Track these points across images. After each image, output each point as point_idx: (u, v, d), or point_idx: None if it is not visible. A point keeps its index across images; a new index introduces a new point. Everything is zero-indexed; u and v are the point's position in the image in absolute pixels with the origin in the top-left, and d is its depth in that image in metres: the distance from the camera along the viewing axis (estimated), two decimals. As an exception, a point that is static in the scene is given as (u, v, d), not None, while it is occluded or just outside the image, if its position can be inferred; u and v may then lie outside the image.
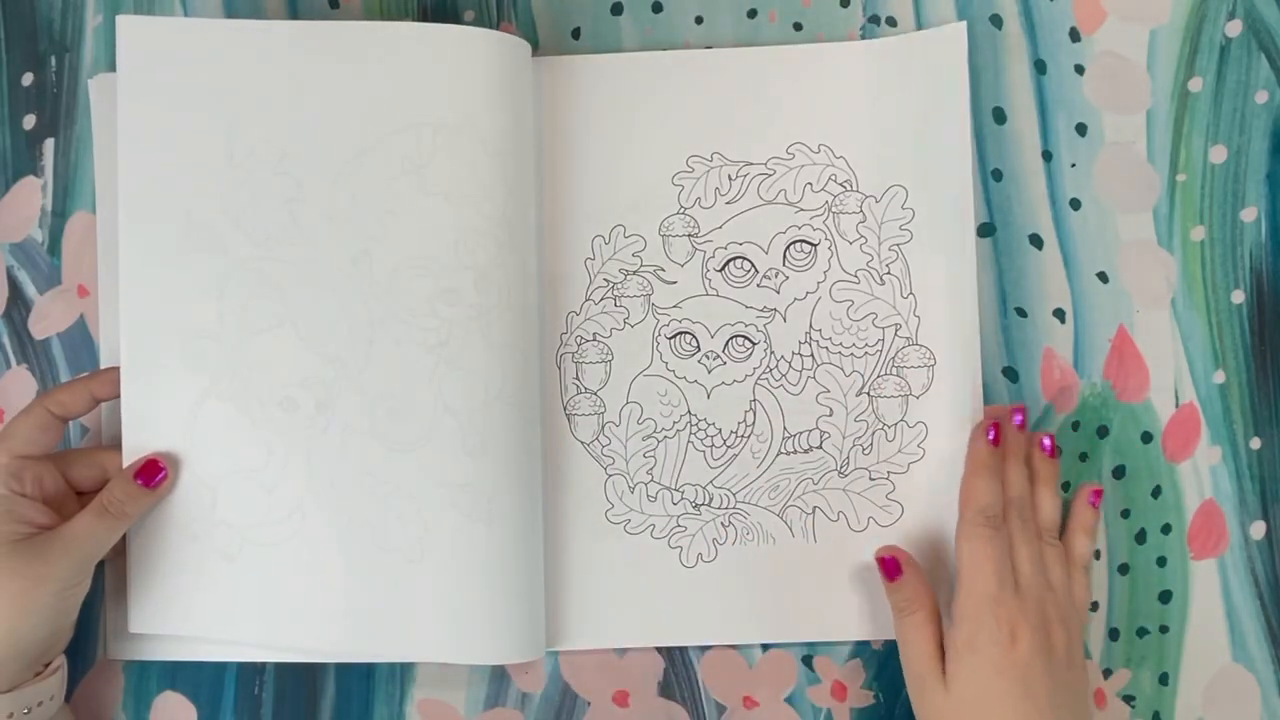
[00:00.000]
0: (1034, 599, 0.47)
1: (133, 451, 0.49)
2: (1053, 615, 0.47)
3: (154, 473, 0.48)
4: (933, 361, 0.53)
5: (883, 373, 0.53)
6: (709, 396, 0.53)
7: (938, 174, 0.53)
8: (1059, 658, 0.47)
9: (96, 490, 0.48)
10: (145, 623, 0.50)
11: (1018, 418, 0.51)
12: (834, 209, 0.53)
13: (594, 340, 0.53)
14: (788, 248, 0.53)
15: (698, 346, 0.53)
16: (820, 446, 0.53)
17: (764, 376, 0.53)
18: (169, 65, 0.49)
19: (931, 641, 0.48)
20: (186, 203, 0.49)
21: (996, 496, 0.49)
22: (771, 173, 0.53)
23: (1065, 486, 0.53)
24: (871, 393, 0.53)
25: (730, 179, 0.53)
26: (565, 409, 0.53)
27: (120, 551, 0.50)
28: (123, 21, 0.49)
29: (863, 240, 0.53)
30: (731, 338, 0.53)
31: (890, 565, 0.49)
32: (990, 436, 0.50)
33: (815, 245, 0.53)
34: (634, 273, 0.53)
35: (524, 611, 0.50)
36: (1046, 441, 0.51)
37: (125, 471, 0.48)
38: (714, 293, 0.53)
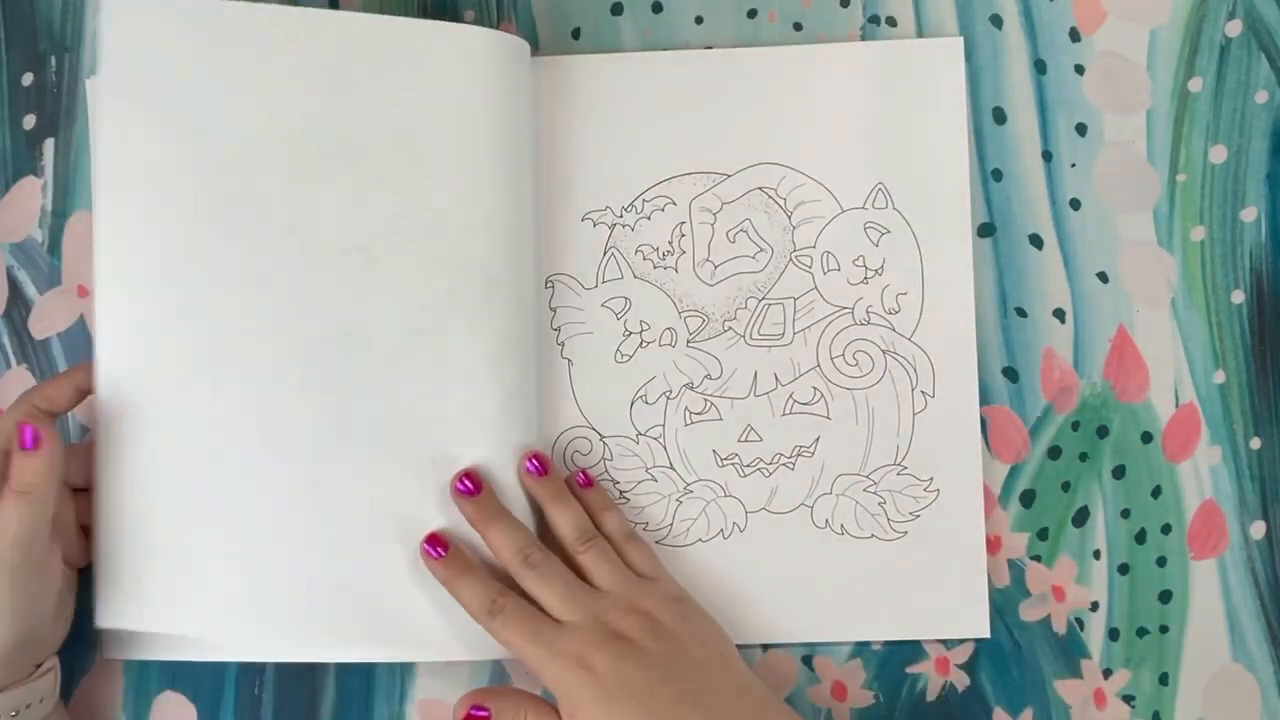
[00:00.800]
0: (577, 620, 0.46)
1: (104, 447, 0.47)
2: (625, 607, 0.47)
3: (31, 437, 0.45)
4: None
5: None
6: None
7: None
8: (650, 638, 0.46)
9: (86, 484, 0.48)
10: (110, 617, 0.48)
11: (533, 465, 0.50)
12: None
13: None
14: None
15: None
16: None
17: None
18: (158, 50, 0.48)
19: None
20: (170, 194, 0.48)
21: (477, 588, 0.47)
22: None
23: (1066, 486, 0.53)
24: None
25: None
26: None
27: None
28: (108, 2, 0.47)
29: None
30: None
31: (473, 719, 0.46)
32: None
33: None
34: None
35: None
36: (530, 464, 0.50)
37: (13, 445, 0.46)
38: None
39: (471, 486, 0.49)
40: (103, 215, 0.48)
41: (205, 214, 0.48)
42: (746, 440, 0.53)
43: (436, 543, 0.48)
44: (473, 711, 0.46)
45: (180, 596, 0.48)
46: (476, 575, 0.48)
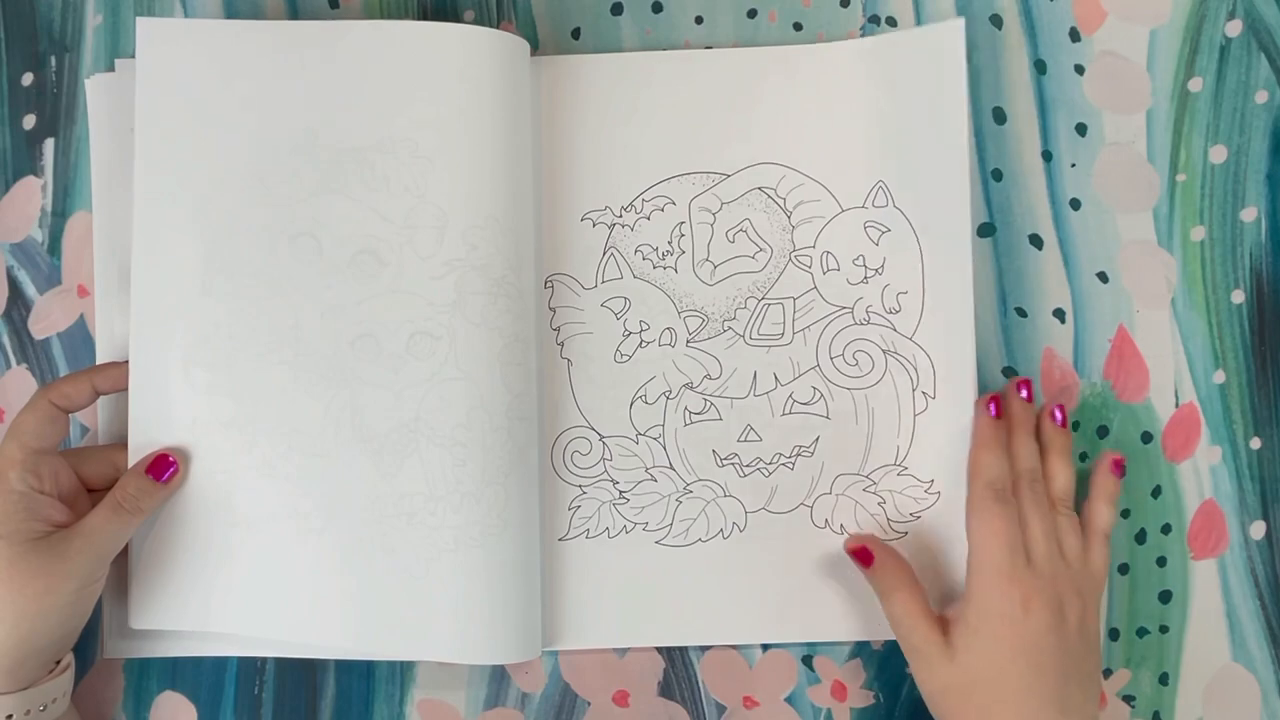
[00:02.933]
0: (1047, 572, 0.47)
1: (139, 448, 0.49)
2: (1066, 588, 0.47)
3: (165, 467, 0.48)
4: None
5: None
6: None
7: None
8: (1071, 631, 0.47)
9: (107, 488, 0.48)
10: (147, 619, 0.50)
11: (1023, 391, 0.51)
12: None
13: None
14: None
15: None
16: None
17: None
18: (186, 66, 0.50)
19: (923, 616, 0.48)
20: (199, 203, 0.49)
21: (1002, 469, 0.49)
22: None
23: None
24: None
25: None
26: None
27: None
28: (143, 24, 0.50)
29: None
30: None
31: (863, 554, 0.50)
32: (991, 410, 0.50)
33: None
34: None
35: (521, 612, 0.50)
36: (1058, 412, 0.51)
37: (137, 466, 0.48)
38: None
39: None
40: (140, 223, 0.50)
41: (229, 223, 0.50)
42: (746, 440, 0.53)
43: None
44: (861, 549, 0.50)
45: (207, 596, 0.49)
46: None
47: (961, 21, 0.52)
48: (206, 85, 0.50)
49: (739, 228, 0.53)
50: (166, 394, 0.49)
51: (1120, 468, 0.52)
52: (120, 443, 0.50)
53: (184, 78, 0.50)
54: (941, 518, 0.52)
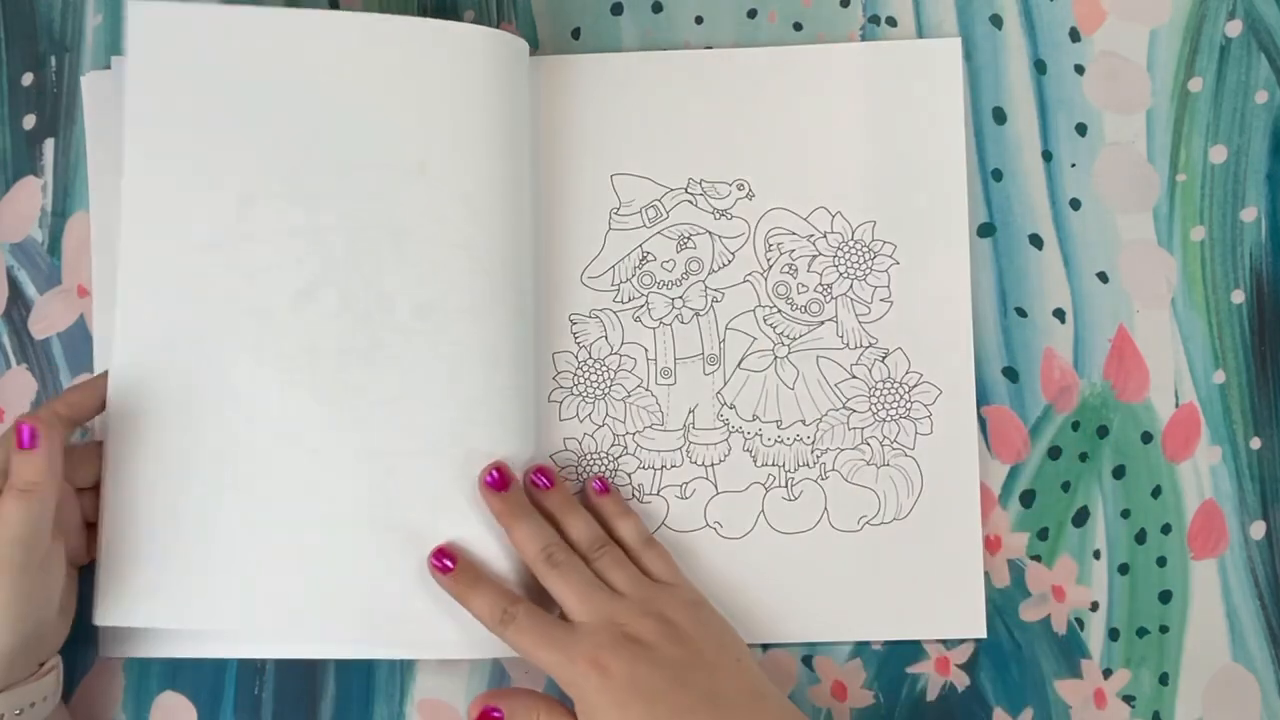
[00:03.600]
0: (603, 620, 0.46)
1: (119, 440, 0.48)
2: (635, 618, 0.46)
3: (24, 436, 0.45)
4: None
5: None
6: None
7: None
8: (666, 644, 0.46)
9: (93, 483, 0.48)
10: (112, 615, 0.48)
11: (544, 480, 0.50)
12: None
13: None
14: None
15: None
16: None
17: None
18: (178, 50, 0.49)
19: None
20: (189, 188, 0.49)
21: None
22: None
23: (1066, 486, 0.53)
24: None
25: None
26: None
27: None
28: (134, 6, 0.49)
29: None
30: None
31: (487, 718, 0.47)
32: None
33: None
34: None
35: None
36: (540, 478, 0.51)
37: (9, 444, 0.46)
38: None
39: (499, 480, 0.49)
40: (130, 213, 0.48)
41: (216, 216, 0.49)
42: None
43: (445, 556, 0.48)
44: (487, 711, 0.47)
45: (182, 594, 0.48)
46: (487, 586, 0.48)
47: (958, 41, 0.53)
48: (199, 70, 0.49)
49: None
50: (150, 388, 0.48)
51: (599, 484, 0.52)
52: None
53: (176, 62, 0.49)
54: (940, 518, 0.52)
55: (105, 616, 0.48)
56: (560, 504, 0.50)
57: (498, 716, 0.47)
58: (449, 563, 0.48)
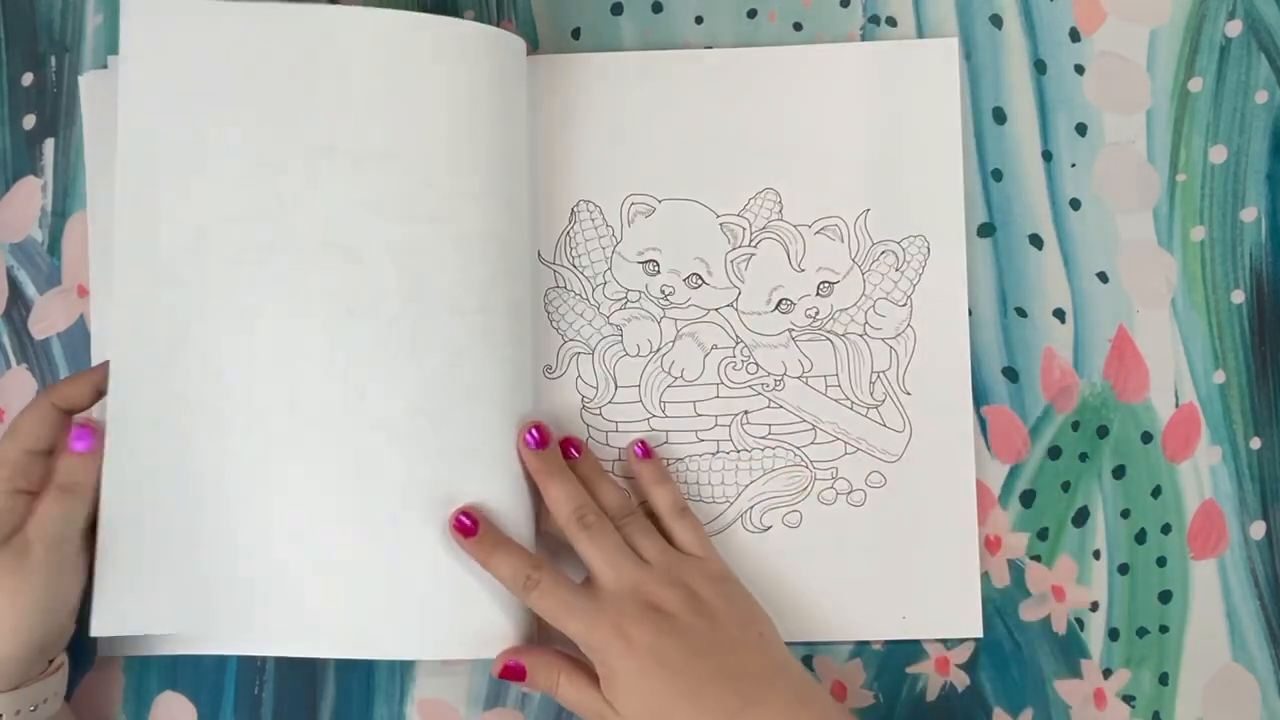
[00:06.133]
0: (628, 586, 0.47)
1: (118, 441, 0.47)
2: (661, 586, 0.47)
3: (87, 437, 0.47)
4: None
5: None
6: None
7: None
8: (688, 614, 0.46)
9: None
10: (108, 625, 0.47)
11: (574, 451, 0.51)
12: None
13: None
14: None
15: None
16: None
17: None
18: (173, 45, 0.48)
19: (587, 687, 0.47)
20: (184, 185, 0.48)
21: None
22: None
23: (1066, 486, 0.53)
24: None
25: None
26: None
27: None
28: (128, 1, 0.48)
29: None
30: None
31: (510, 673, 0.48)
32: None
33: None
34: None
35: (515, 607, 0.49)
36: (573, 450, 0.51)
37: (63, 445, 0.47)
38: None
39: (540, 439, 0.49)
40: (122, 210, 0.48)
41: (211, 211, 0.48)
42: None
43: (468, 517, 0.48)
44: (510, 666, 0.48)
45: (179, 598, 0.48)
46: (510, 549, 0.48)
47: (954, 41, 0.53)
48: (194, 65, 0.48)
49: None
50: (149, 387, 0.48)
51: (642, 448, 0.52)
52: None
53: (171, 57, 0.48)
54: (937, 519, 0.52)
55: (103, 627, 0.47)
56: (590, 471, 0.51)
57: (519, 669, 0.47)
58: (470, 523, 0.48)
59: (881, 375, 0.53)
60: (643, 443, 0.52)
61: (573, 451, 0.51)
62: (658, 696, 0.45)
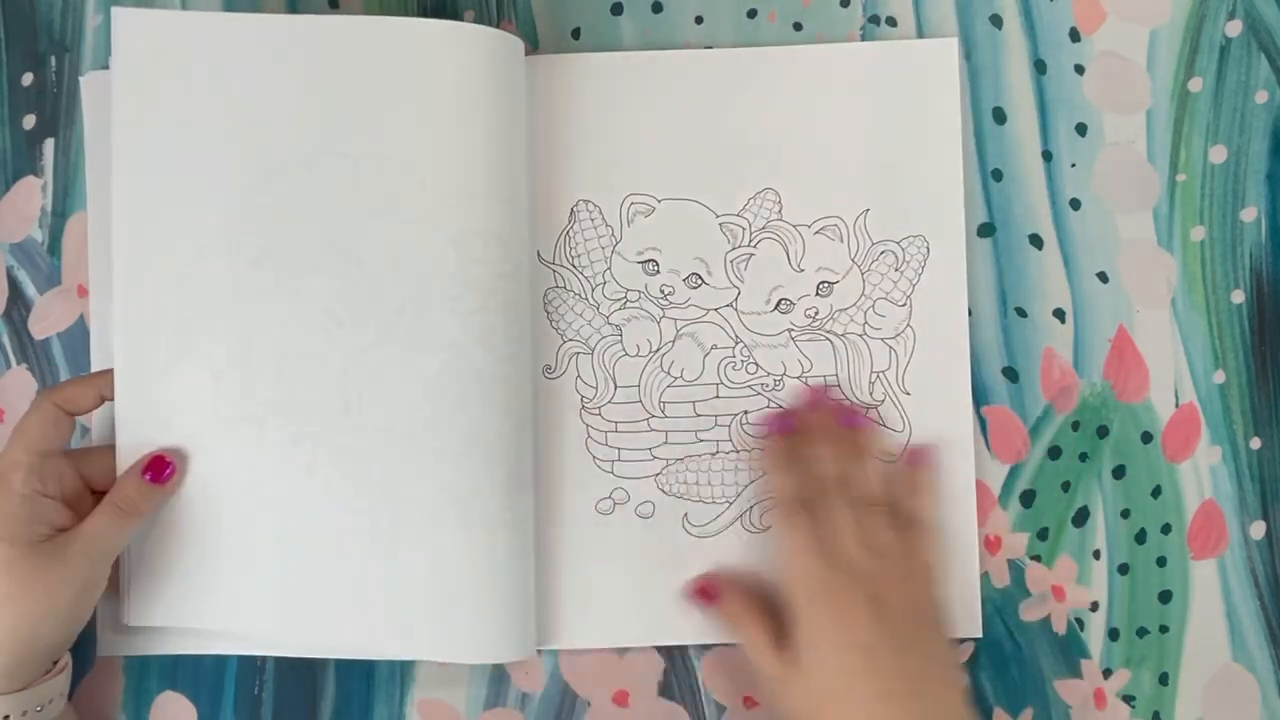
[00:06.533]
0: (859, 572, 0.47)
1: (126, 447, 0.49)
2: (884, 582, 0.47)
3: (162, 468, 0.48)
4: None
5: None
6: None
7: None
8: (899, 621, 0.46)
9: (110, 488, 0.48)
10: (142, 615, 0.49)
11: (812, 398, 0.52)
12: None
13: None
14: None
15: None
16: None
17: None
18: (166, 59, 0.49)
19: (768, 647, 0.47)
20: (182, 199, 0.49)
21: (795, 484, 0.49)
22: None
23: (1066, 486, 0.53)
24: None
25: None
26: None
27: None
28: (119, 14, 0.49)
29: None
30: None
31: (704, 594, 0.50)
32: (771, 430, 0.51)
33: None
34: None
35: (515, 610, 0.50)
36: (845, 416, 0.52)
37: (134, 469, 0.48)
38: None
39: (708, 591, 0.51)
40: (120, 219, 0.49)
41: (214, 219, 0.49)
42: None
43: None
44: (704, 587, 0.51)
45: (203, 592, 0.49)
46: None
47: (954, 40, 0.53)
48: (188, 79, 0.49)
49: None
50: (154, 392, 0.49)
51: (919, 458, 0.52)
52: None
53: (163, 71, 0.48)
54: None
55: (137, 616, 0.49)
56: (815, 429, 0.51)
57: (712, 593, 0.50)
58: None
59: (881, 375, 0.53)
60: (853, 410, 0.52)
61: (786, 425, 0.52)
62: (842, 679, 0.45)
